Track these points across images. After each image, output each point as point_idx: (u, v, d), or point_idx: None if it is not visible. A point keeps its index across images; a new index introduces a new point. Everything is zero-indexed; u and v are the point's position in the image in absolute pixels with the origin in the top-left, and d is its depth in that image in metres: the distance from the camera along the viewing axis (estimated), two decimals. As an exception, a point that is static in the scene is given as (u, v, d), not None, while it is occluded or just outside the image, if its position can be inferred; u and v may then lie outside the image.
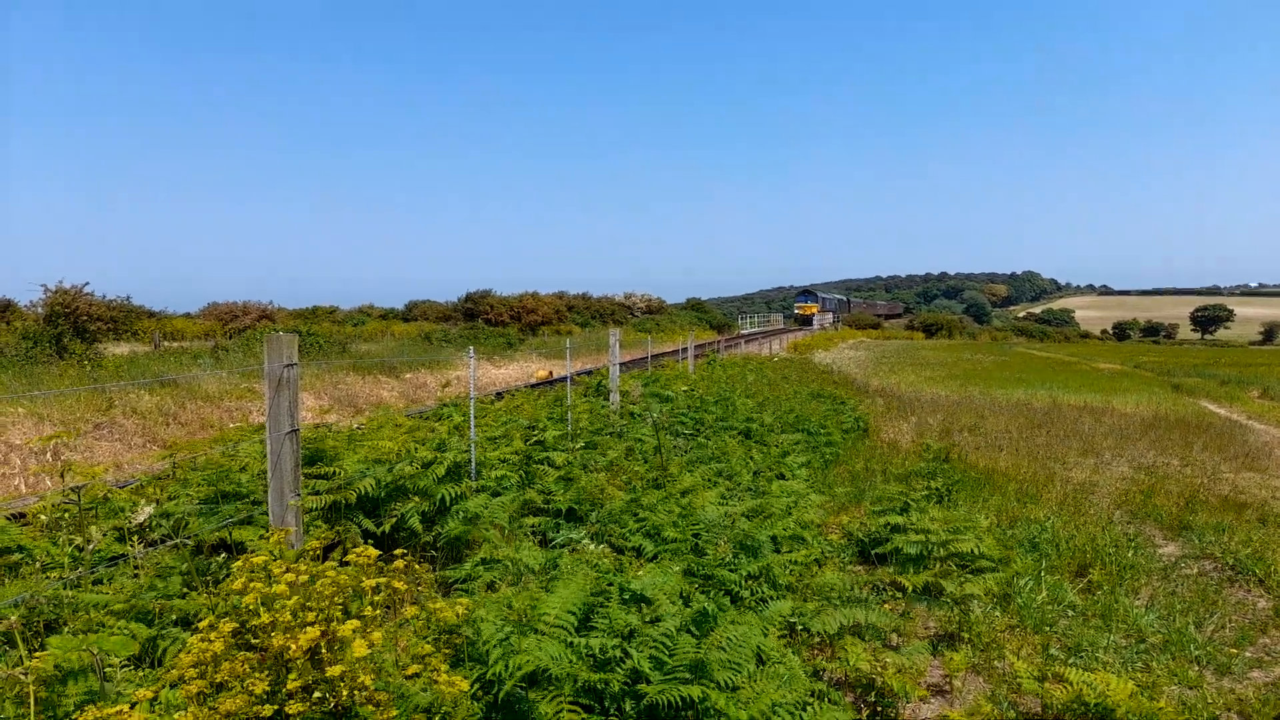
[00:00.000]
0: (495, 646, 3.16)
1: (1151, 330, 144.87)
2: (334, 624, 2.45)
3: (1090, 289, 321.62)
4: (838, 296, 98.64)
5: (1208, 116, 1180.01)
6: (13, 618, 3.15)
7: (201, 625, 2.56)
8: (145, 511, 4.40)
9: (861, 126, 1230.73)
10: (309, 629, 2.38)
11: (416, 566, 3.81)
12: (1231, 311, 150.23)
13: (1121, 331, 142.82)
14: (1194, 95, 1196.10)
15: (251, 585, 2.53)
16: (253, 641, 2.57)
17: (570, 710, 3.05)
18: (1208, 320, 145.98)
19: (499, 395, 13.04)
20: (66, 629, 3.32)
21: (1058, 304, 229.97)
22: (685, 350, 21.27)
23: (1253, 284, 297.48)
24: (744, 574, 4.96)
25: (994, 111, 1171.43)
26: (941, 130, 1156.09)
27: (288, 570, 2.59)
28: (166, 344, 27.14)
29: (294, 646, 2.36)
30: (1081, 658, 4.76)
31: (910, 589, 5.57)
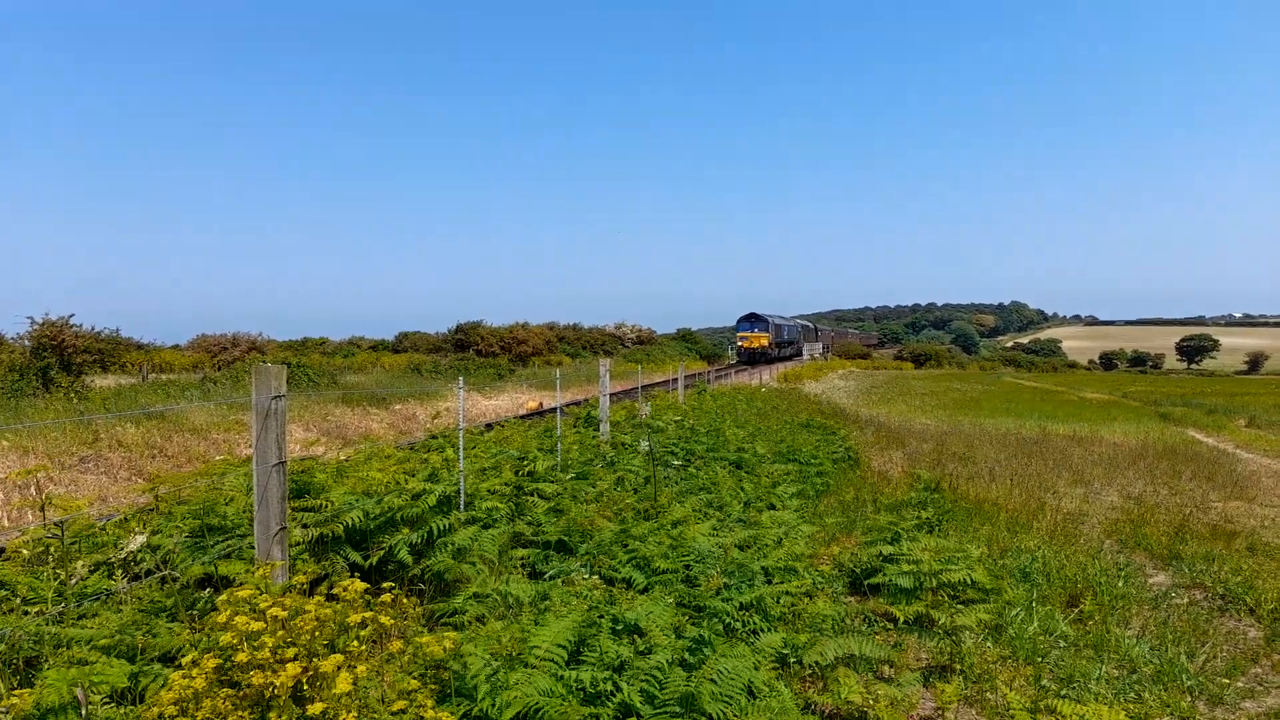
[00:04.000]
0: (483, 681, 3.12)
1: (1138, 360, 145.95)
2: (316, 660, 2.41)
3: (1077, 319, 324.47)
4: (802, 323, 74.42)
5: (1194, 148, 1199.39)
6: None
7: (184, 661, 2.52)
8: (137, 540, 4.35)
9: (852, 158, 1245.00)
10: (289, 666, 2.35)
11: (404, 600, 3.77)
12: (1217, 341, 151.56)
13: (1108, 361, 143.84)
14: (1179, 127, 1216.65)
15: (235, 620, 2.50)
16: (236, 678, 2.53)
17: (559, 746, 3.00)
18: (1193, 350, 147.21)
19: (489, 426, 12.99)
20: (48, 665, 3.26)
21: (1045, 334, 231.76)
22: (675, 380, 21.28)
23: (1237, 314, 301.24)
24: (736, 605, 4.93)
25: (982, 144, 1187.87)
26: (929, 163, 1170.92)
27: (272, 605, 2.56)
28: (154, 376, 26.96)
29: (275, 684, 2.33)
30: (1074, 689, 4.73)
31: (902, 620, 5.54)
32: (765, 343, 57.03)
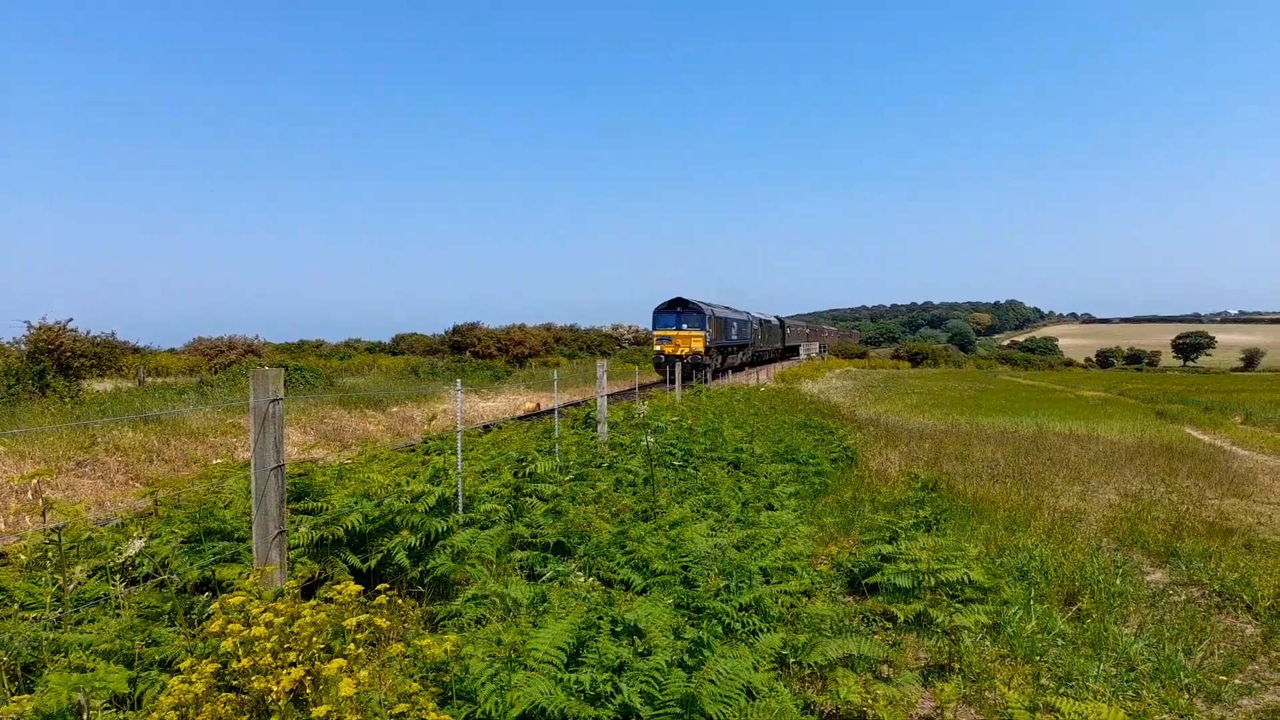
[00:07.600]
0: (485, 683, 3.12)
1: (1134, 358, 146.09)
2: (318, 663, 2.41)
3: (1073, 317, 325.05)
4: (761, 318, 51.60)
5: (1188, 145, 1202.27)
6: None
7: (182, 666, 2.52)
8: (135, 544, 4.35)
9: (847, 158, 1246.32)
10: (293, 669, 2.35)
11: (401, 602, 3.77)
12: (1213, 339, 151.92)
13: (1104, 359, 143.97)
14: (1173, 125, 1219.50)
15: (229, 628, 2.49)
16: (234, 683, 2.53)
17: (559, 748, 3.01)
18: (1189, 347, 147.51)
19: (487, 428, 12.99)
20: (48, 670, 3.25)
21: (1041, 332, 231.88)
22: (673, 381, 21.29)
23: (1233, 311, 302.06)
24: (735, 606, 4.93)
25: (977, 142, 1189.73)
26: (925, 162, 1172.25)
27: (266, 610, 2.56)
28: (151, 380, 26.94)
29: (275, 689, 2.33)
30: (1072, 687, 4.74)
31: (901, 619, 5.55)
32: (699, 346, 35.01)
